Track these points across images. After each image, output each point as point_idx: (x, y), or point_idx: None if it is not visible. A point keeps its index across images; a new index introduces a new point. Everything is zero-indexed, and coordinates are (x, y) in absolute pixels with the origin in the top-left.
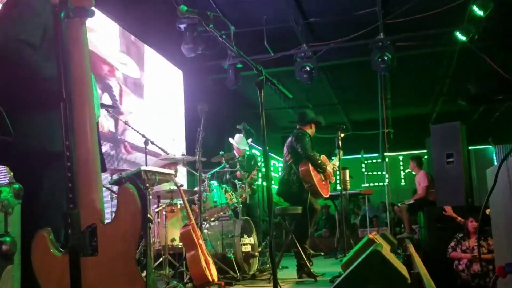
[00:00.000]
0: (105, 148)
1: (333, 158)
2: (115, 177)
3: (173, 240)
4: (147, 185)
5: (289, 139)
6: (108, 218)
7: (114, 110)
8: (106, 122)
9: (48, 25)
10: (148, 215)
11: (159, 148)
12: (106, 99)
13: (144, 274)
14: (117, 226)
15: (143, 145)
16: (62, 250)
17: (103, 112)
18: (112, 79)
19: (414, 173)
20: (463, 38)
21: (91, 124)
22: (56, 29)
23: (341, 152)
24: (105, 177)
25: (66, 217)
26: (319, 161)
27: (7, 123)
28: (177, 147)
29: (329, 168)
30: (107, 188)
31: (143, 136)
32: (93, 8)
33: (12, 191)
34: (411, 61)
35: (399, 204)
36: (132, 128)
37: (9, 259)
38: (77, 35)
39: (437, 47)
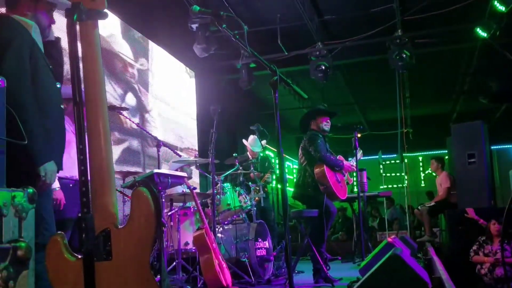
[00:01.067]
0: (128, 144)
1: (350, 159)
2: (128, 180)
3: (186, 244)
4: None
5: (303, 141)
6: (121, 222)
7: (127, 111)
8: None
9: (32, 52)
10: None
11: (171, 150)
12: (130, 99)
13: (158, 278)
14: (131, 230)
15: (168, 141)
16: (76, 254)
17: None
18: (131, 79)
19: (434, 174)
20: (484, 34)
21: (104, 127)
22: (68, 32)
23: (360, 152)
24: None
25: (80, 221)
26: (335, 161)
27: (21, 128)
28: (186, 146)
29: (346, 163)
30: (119, 192)
31: (155, 138)
32: (105, 10)
33: (26, 196)
34: (430, 59)
35: (419, 207)
36: (144, 130)
37: (25, 264)
38: (90, 38)
39: (457, 44)
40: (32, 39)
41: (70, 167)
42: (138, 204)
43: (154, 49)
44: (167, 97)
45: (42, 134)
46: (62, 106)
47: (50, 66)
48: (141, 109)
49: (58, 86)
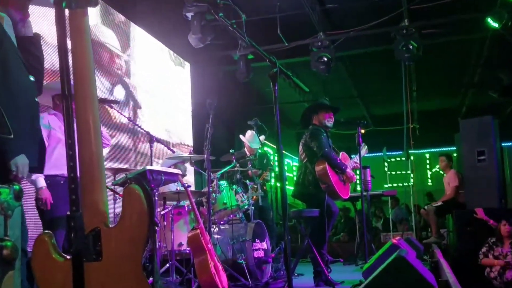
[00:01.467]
0: (116, 140)
1: (353, 156)
2: (119, 177)
3: (180, 244)
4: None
5: (304, 136)
6: (111, 221)
7: (118, 105)
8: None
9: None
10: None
11: (165, 145)
12: (119, 92)
13: (150, 280)
14: (122, 229)
15: (162, 137)
16: (64, 255)
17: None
18: (119, 71)
19: (442, 172)
20: (495, 24)
21: (94, 120)
22: (57, 20)
23: (365, 148)
24: (108, 176)
25: (69, 220)
26: (338, 161)
27: (7, 122)
28: (178, 141)
29: (349, 170)
30: (110, 189)
31: (147, 133)
32: None
33: (12, 193)
34: (438, 50)
35: (425, 207)
36: (136, 125)
37: (10, 264)
38: (79, 26)
39: (467, 34)
40: (4, 30)
41: (63, 165)
42: (130, 202)
43: (137, 35)
44: (155, 89)
45: (12, 127)
46: (36, 99)
47: (23, 60)
48: (129, 103)
49: (32, 79)
